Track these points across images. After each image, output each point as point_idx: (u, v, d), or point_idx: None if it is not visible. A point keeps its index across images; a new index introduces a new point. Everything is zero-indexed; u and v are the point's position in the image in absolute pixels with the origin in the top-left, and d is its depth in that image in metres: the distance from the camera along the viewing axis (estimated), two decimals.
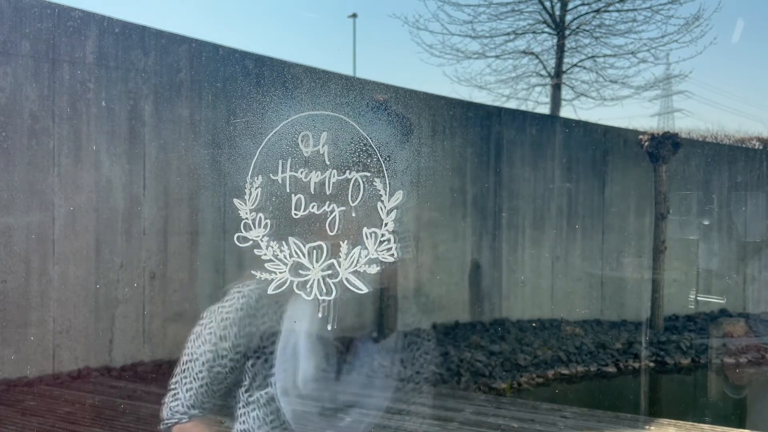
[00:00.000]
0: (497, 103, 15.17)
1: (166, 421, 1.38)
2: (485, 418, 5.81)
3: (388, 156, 1.23)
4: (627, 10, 14.97)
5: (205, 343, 1.32)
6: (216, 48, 7.58)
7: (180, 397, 1.36)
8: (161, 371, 6.78)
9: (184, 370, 1.35)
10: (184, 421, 1.35)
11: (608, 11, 15.14)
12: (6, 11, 6.13)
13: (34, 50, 6.27)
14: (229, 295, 1.32)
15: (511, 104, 17.18)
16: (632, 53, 15.33)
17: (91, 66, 6.61)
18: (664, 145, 10.23)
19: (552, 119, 12.67)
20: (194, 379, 1.33)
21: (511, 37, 15.62)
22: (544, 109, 16.03)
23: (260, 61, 7.87)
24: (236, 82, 7.48)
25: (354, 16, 28.66)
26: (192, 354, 1.34)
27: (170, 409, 1.38)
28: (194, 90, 7.32)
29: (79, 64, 6.52)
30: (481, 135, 10.02)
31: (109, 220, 6.76)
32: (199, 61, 7.36)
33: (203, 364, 1.32)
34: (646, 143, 10.37)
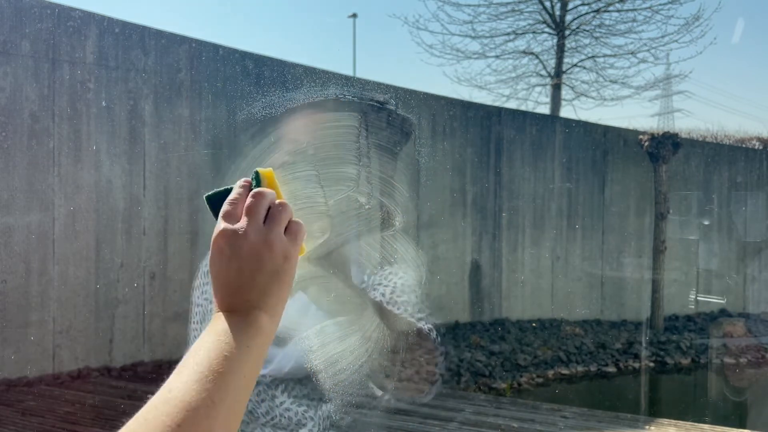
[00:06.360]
0: (497, 103, 15.19)
1: None
2: (485, 418, 5.81)
3: (388, 156, 1.23)
4: (627, 10, 15.00)
5: (194, 304, 1.43)
6: (216, 48, 7.58)
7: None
8: (161, 371, 6.77)
9: (190, 332, 1.46)
10: None
11: (608, 11, 15.16)
12: (6, 11, 6.13)
13: (34, 50, 6.27)
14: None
15: (511, 104, 17.21)
16: (632, 53, 15.35)
17: (91, 66, 6.61)
18: (664, 145, 10.23)
19: (552, 119, 12.67)
20: (194, 336, 1.44)
21: (511, 37, 15.64)
22: (544, 109, 16.06)
23: (260, 61, 7.87)
24: (236, 82, 7.48)
25: (354, 16, 28.71)
26: (192, 314, 1.46)
27: None
28: (194, 90, 7.32)
29: (79, 64, 6.53)
30: (481, 135, 10.02)
31: (109, 220, 6.76)
32: (199, 61, 7.36)
33: (198, 322, 1.42)
34: (646, 143, 10.38)
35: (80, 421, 5.25)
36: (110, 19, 6.81)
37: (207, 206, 0.82)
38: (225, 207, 0.77)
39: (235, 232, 0.74)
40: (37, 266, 6.31)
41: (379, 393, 1.22)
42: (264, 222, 0.76)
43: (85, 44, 6.59)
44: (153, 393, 0.65)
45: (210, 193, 0.81)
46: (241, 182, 0.80)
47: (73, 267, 6.53)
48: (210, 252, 0.76)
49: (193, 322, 1.43)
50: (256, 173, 0.81)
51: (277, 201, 0.78)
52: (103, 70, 6.72)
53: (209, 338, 0.71)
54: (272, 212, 0.76)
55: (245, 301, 0.73)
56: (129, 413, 0.67)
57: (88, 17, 6.64)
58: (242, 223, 0.75)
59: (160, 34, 7.12)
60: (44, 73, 6.33)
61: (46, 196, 6.35)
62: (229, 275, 0.74)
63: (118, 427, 0.66)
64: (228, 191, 0.80)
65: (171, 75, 7.19)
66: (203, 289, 1.41)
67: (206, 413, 0.64)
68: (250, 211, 0.75)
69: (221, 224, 0.75)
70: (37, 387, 6.08)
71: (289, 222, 0.78)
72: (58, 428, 5.08)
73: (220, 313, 0.73)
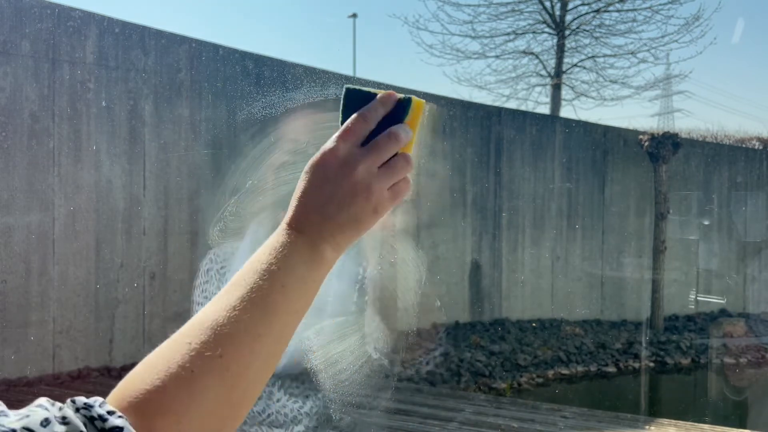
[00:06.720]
0: (497, 103, 15.19)
1: None
2: (485, 418, 5.81)
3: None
4: (627, 10, 14.99)
5: (194, 302, 1.47)
6: (216, 48, 7.58)
7: None
8: None
9: None
10: None
11: (608, 11, 15.16)
12: (6, 11, 6.13)
13: (34, 50, 6.27)
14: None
15: (511, 104, 17.20)
16: (632, 53, 15.35)
17: (91, 66, 6.61)
18: (664, 145, 10.23)
19: (552, 119, 12.67)
20: None
21: (511, 37, 15.63)
22: (544, 109, 16.05)
23: (260, 61, 7.87)
24: (236, 82, 7.48)
25: (354, 16, 28.72)
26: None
27: None
28: (194, 90, 7.32)
29: (79, 64, 6.53)
30: (481, 135, 10.02)
31: (109, 220, 6.76)
32: (199, 61, 7.36)
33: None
34: (646, 143, 10.37)
35: None
36: (110, 19, 6.81)
37: (342, 96, 0.71)
38: (353, 120, 0.68)
39: (346, 160, 0.67)
40: (37, 266, 6.31)
41: (376, 355, 1.23)
42: (381, 166, 0.68)
43: (85, 44, 6.59)
44: None
45: (354, 87, 0.71)
46: (384, 96, 0.70)
47: (73, 267, 6.53)
48: (313, 159, 0.69)
49: None
50: (410, 99, 0.70)
51: (403, 152, 0.69)
52: (103, 70, 6.72)
53: (264, 259, 0.65)
54: (394, 162, 0.69)
55: (318, 228, 0.67)
56: None
57: (88, 17, 6.64)
58: (360, 155, 0.67)
59: (160, 34, 7.12)
60: (44, 73, 6.33)
61: (46, 196, 6.35)
62: (318, 197, 0.67)
63: None
64: (370, 98, 0.70)
65: (171, 75, 7.19)
66: (203, 288, 1.41)
67: (250, 347, 0.60)
68: (377, 149, 0.68)
69: (338, 142, 0.68)
70: (37, 387, 6.08)
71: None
72: None
73: (288, 231, 0.67)
